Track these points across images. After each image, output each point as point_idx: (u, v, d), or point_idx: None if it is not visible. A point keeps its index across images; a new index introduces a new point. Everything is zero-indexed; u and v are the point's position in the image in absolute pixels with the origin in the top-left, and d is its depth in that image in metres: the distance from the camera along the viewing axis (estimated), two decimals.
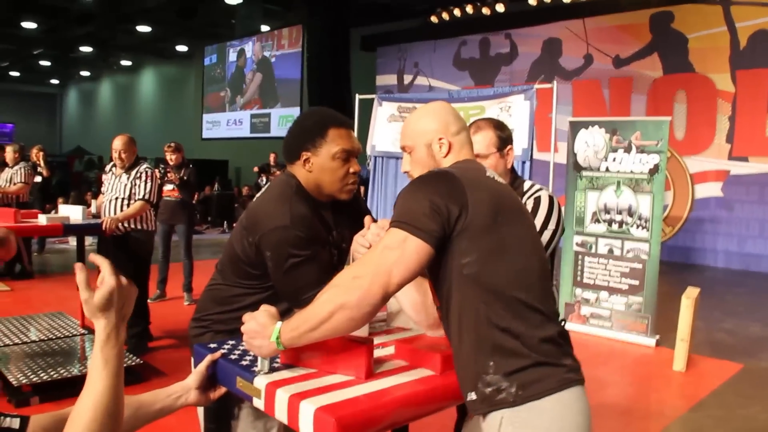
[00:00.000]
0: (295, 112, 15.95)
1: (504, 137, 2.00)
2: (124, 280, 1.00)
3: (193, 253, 5.71)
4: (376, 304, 1.17)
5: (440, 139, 1.38)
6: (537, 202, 1.93)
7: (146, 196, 4.12)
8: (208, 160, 16.32)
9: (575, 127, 5.32)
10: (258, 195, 1.72)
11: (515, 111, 5.35)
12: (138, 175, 4.16)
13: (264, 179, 11.61)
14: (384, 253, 1.18)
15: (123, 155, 4.14)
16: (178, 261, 5.74)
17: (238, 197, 13.94)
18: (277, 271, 1.57)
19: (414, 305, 1.44)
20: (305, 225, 1.58)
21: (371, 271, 1.17)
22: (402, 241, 1.17)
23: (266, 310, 1.30)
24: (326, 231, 1.69)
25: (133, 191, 4.14)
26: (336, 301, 1.17)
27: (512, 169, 2.04)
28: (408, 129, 1.44)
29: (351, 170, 1.68)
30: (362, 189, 7.26)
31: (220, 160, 16.99)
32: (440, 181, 1.21)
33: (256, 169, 11.21)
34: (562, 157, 6.44)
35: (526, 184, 2.02)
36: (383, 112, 6.44)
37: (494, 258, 1.19)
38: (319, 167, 1.65)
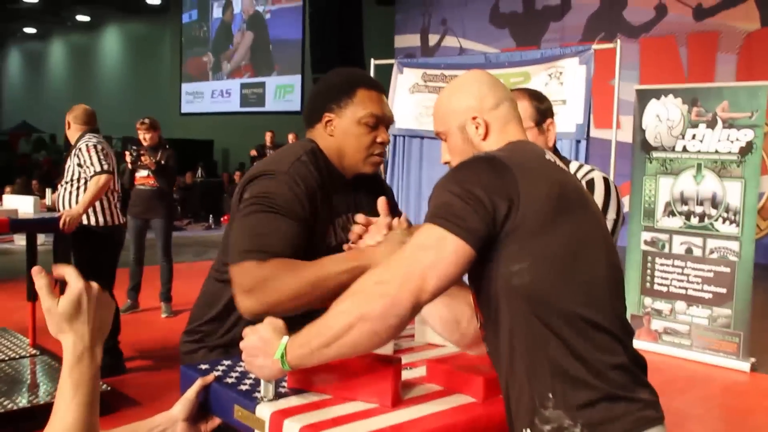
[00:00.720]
0: (294, 81, 15.99)
1: (543, 109, 2.03)
2: (95, 286, 1.01)
3: (172, 254, 5.75)
4: (405, 315, 1.18)
5: (474, 118, 1.39)
6: (590, 186, 1.93)
7: (98, 168, 4.09)
8: (189, 141, 16.44)
9: (644, 97, 5.28)
10: None
11: (568, 78, 5.31)
12: (76, 153, 4.15)
13: None
14: (416, 254, 1.19)
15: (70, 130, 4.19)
16: (155, 264, 5.79)
17: (226, 185, 14.03)
18: (239, 213, 1.58)
19: (445, 322, 1.45)
20: (304, 182, 1.60)
21: (400, 275, 1.17)
22: (439, 239, 1.18)
23: (271, 323, 1.30)
24: (333, 206, 1.72)
25: (75, 173, 4.15)
26: (355, 312, 1.18)
27: (554, 147, 2.06)
28: (439, 111, 1.46)
29: (378, 139, 1.73)
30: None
31: (204, 140, 17.12)
32: (484, 168, 1.22)
33: (253, 152, 11.30)
34: (627, 134, 6.38)
35: (573, 165, 2.05)
36: (404, 81, 6.43)
37: (553, 265, 1.19)
38: (343, 131, 1.71)
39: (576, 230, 1.22)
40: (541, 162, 1.29)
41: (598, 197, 1.92)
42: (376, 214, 1.66)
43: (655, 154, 5.24)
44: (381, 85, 1.78)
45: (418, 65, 6.49)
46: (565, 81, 5.31)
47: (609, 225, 1.89)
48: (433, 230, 1.19)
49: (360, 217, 1.61)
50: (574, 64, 5.29)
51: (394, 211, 1.90)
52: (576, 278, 1.20)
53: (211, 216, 12.56)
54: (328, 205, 1.70)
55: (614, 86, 5.25)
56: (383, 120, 1.73)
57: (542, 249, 1.19)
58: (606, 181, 1.96)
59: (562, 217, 1.20)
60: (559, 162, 1.34)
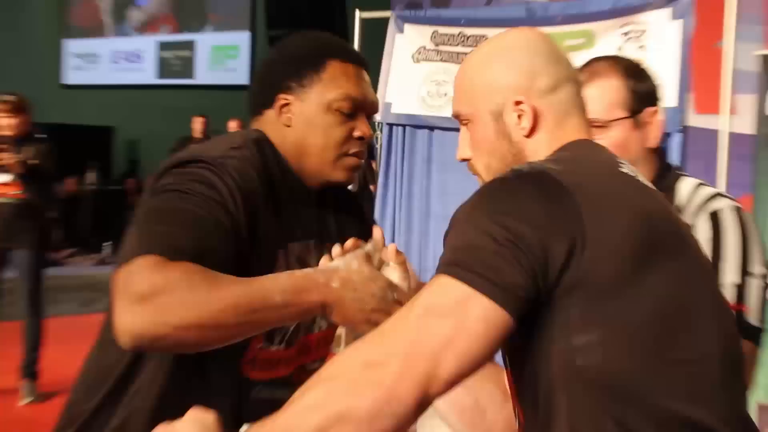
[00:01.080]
0: (240, 40, 16.07)
1: (642, 91, 2.07)
2: None
3: (43, 304, 5.75)
4: (406, 416, 1.19)
5: (518, 103, 1.45)
6: (714, 222, 1.93)
7: None
8: (75, 127, 16.36)
9: None
10: None
11: (653, 40, 5.35)
12: None
13: None
14: (425, 323, 1.22)
15: None
16: (14, 319, 5.79)
17: (132, 196, 14.01)
18: (144, 203, 1.64)
19: (463, 411, 1.55)
20: (242, 183, 1.64)
21: (400, 355, 1.20)
22: (459, 301, 1.21)
23: (196, 419, 1.29)
24: (286, 228, 1.78)
25: None
26: (331, 407, 1.18)
27: (659, 151, 2.11)
28: (464, 83, 1.52)
29: (356, 133, 1.81)
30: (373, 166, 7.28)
31: (99, 126, 17.11)
32: (530, 191, 1.26)
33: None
34: (746, 123, 6.36)
35: (686, 185, 2.04)
36: (405, 44, 6.48)
37: (636, 338, 1.23)
38: (305, 121, 1.79)
39: (671, 286, 1.26)
40: (615, 181, 1.34)
41: (732, 242, 1.89)
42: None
43: None
44: (362, 57, 1.86)
45: (427, 20, 6.55)
46: (648, 44, 5.35)
47: (755, 287, 1.87)
48: (450, 286, 1.22)
49: (347, 244, 1.66)
50: (664, 19, 5.32)
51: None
52: (671, 358, 1.24)
53: (107, 244, 12.49)
54: (278, 223, 1.75)
55: (725, 52, 5.26)
56: (363, 105, 1.81)
57: (620, 314, 1.22)
58: (740, 214, 1.93)
59: (649, 266, 1.24)
60: (642, 179, 1.39)
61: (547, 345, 1.25)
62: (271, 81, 1.82)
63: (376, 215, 6.52)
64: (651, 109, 2.06)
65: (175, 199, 1.59)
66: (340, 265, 1.61)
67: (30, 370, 5.70)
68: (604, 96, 2.02)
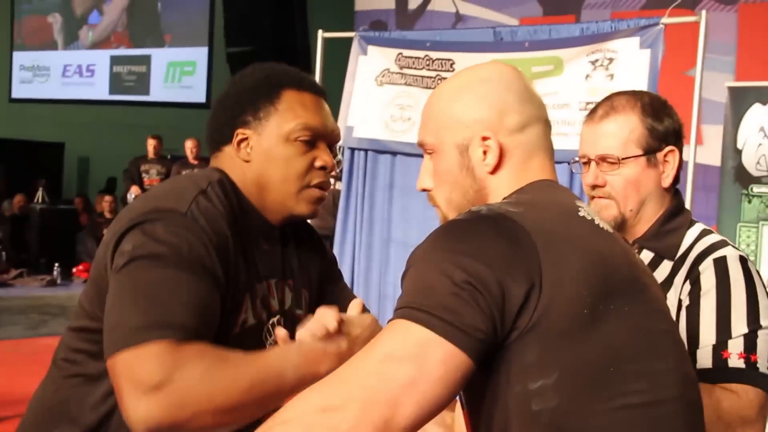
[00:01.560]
0: (197, 56, 15.98)
1: (662, 130, 2.06)
2: None
3: None
4: None
5: (485, 138, 1.46)
6: (718, 270, 1.92)
7: None
8: (23, 143, 16.29)
9: (740, 99, 5.34)
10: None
11: (622, 68, 5.37)
12: None
13: (133, 195, 11.59)
14: (384, 368, 1.22)
15: None
16: None
17: (83, 214, 13.84)
18: (116, 272, 1.60)
19: None
20: (211, 229, 1.64)
21: (359, 401, 1.19)
22: (419, 345, 1.21)
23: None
24: (252, 270, 1.78)
25: None
26: None
27: (675, 192, 2.09)
28: (432, 113, 1.52)
29: (318, 162, 1.81)
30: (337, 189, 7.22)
31: (49, 142, 16.94)
32: (489, 232, 1.27)
33: (135, 188, 11.16)
34: (712, 154, 6.41)
35: (693, 230, 2.04)
36: (369, 66, 6.47)
37: (592, 382, 1.23)
38: (264, 154, 1.79)
39: (627, 331, 1.27)
40: (573, 224, 1.35)
41: (739, 292, 1.90)
42: (309, 282, 1.81)
43: (756, 189, 5.30)
44: (318, 86, 1.88)
45: (392, 42, 6.54)
46: (617, 72, 5.37)
47: (764, 337, 1.87)
48: (409, 330, 1.22)
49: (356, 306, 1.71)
50: (633, 47, 5.34)
51: (334, 276, 1.94)
52: (628, 403, 1.24)
53: (56, 265, 12.37)
54: (245, 265, 1.74)
55: (694, 81, 5.26)
56: (323, 134, 1.83)
57: (575, 359, 1.23)
58: (745, 264, 1.94)
59: (604, 310, 1.26)
60: (601, 222, 1.40)
61: (504, 387, 1.25)
62: (227, 117, 1.83)
63: (336, 240, 6.49)
64: (668, 148, 2.05)
65: (157, 267, 1.56)
66: (352, 329, 1.64)
67: None
68: (621, 132, 2.04)
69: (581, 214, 1.38)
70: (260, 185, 1.80)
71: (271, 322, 1.83)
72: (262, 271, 1.82)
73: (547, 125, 1.51)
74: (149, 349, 1.47)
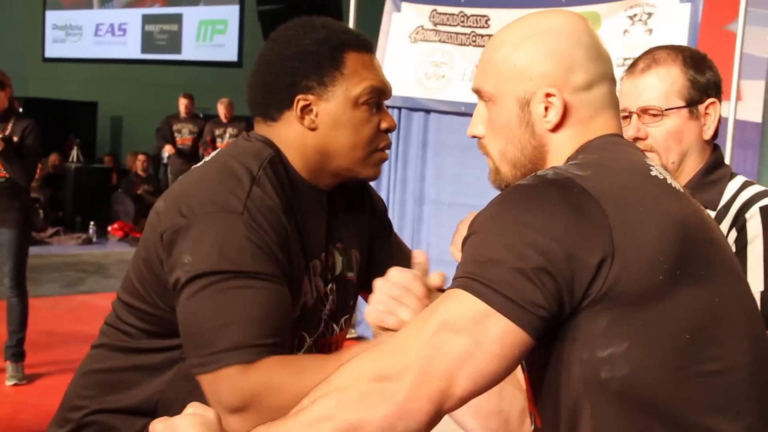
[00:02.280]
0: (229, 14, 15.98)
1: (703, 82, 2.06)
2: None
3: (27, 285, 5.73)
4: (419, 430, 1.21)
5: (548, 95, 1.41)
6: (765, 217, 1.93)
7: None
8: (57, 102, 16.39)
9: None
10: (197, 165, 1.81)
11: (660, 23, 5.35)
12: None
13: (166, 153, 11.61)
14: (441, 338, 1.21)
15: None
16: None
17: (114, 173, 13.90)
18: (187, 291, 1.61)
19: (483, 417, 1.55)
20: (270, 224, 1.64)
21: (414, 370, 1.20)
22: (476, 319, 1.20)
23: (197, 416, 1.30)
24: (309, 247, 1.77)
25: None
26: (341, 419, 1.20)
27: (714, 147, 2.10)
28: (492, 61, 1.46)
29: (383, 125, 1.78)
30: None
31: (82, 102, 17.04)
32: (557, 203, 1.24)
33: (169, 148, 11.17)
34: (754, 110, 6.33)
35: (734, 183, 2.05)
36: (403, 24, 6.48)
37: (665, 351, 1.22)
38: (333, 122, 1.75)
39: (702, 298, 1.25)
40: (645, 186, 1.31)
41: None
42: (359, 241, 1.74)
43: None
44: (371, 42, 1.84)
45: None
46: (656, 27, 5.36)
47: None
48: (468, 302, 1.21)
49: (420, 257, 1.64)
50: (672, 1, 5.33)
51: (384, 232, 1.91)
52: (699, 371, 1.23)
53: (92, 224, 12.45)
54: (302, 249, 1.73)
55: (735, 35, 5.23)
56: (385, 94, 1.80)
57: (648, 326, 1.21)
58: None
59: (680, 277, 1.23)
60: (673, 182, 1.36)
61: (570, 355, 1.24)
62: (285, 82, 1.75)
63: None
64: (710, 100, 2.06)
65: (222, 286, 1.58)
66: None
67: (15, 351, 5.65)
68: (663, 84, 2.04)
69: (653, 173, 1.34)
70: (325, 153, 1.76)
71: (324, 291, 1.82)
72: (315, 247, 1.80)
73: (613, 82, 1.47)
74: (223, 375, 1.53)
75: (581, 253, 1.20)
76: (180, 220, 1.62)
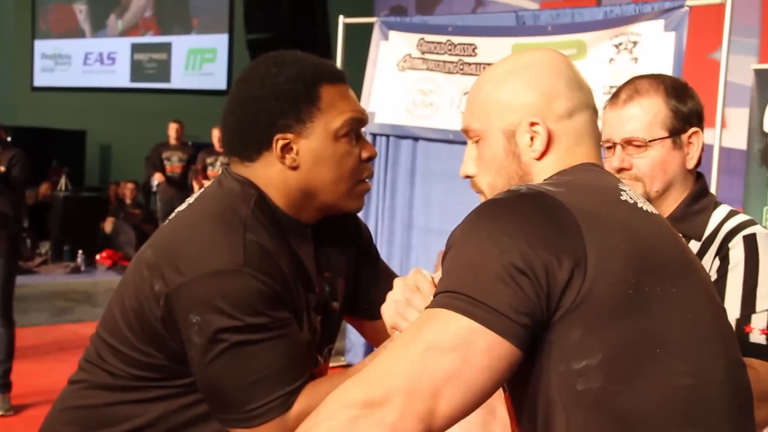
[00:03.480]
0: (218, 43, 15.99)
1: (686, 111, 2.08)
2: None
3: (14, 314, 5.69)
4: None
5: (532, 124, 1.44)
6: (748, 245, 1.96)
7: None
8: (46, 131, 16.30)
9: (766, 81, 5.28)
10: (180, 208, 1.77)
11: (646, 51, 5.36)
12: None
13: (156, 181, 11.59)
14: (427, 358, 1.21)
15: None
16: None
17: (107, 202, 13.86)
18: (206, 354, 1.61)
19: (470, 424, 1.59)
20: (271, 269, 1.63)
21: (402, 393, 1.20)
22: (461, 335, 1.21)
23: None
24: (305, 281, 1.75)
25: None
26: None
27: (698, 175, 2.13)
28: (478, 99, 1.50)
29: (364, 155, 1.78)
30: None
31: (71, 130, 17.00)
32: (532, 212, 1.26)
33: (158, 176, 11.14)
34: (737, 137, 6.37)
35: (719, 212, 2.08)
36: (390, 52, 6.49)
37: (637, 362, 1.23)
38: (315, 158, 1.73)
39: (676, 313, 1.27)
40: (613, 205, 1.33)
41: (765, 270, 1.93)
42: (346, 269, 1.74)
43: None
44: (343, 72, 1.83)
45: (413, 27, 6.57)
46: (641, 56, 5.36)
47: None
48: (451, 320, 1.21)
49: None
50: (657, 30, 5.33)
51: (371, 257, 1.91)
52: (673, 384, 1.24)
53: (80, 252, 12.40)
54: (296, 282, 1.71)
55: (720, 63, 5.23)
56: (363, 122, 1.78)
57: (621, 338, 1.22)
58: None
59: (651, 289, 1.25)
60: (645, 205, 1.39)
61: (547, 368, 1.25)
62: (263, 123, 1.72)
63: None
64: (692, 129, 2.07)
65: (252, 340, 1.60)
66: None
67: (2, 382, 5.61)
68: (646, 115, 2.05)
69: (623, 197, 1.37)
70: (308, 190, 1.75)
71: (316, 324, 1.82)
72: (307, 280, 1.78)
73: (594, 112, 1.50)
74: (263, 429, 1.60)
75: (555, 260, 1.21)
76: (178, 278, 1.60)
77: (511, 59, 1.53)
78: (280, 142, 1.72)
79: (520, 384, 1.29)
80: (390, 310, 1.53)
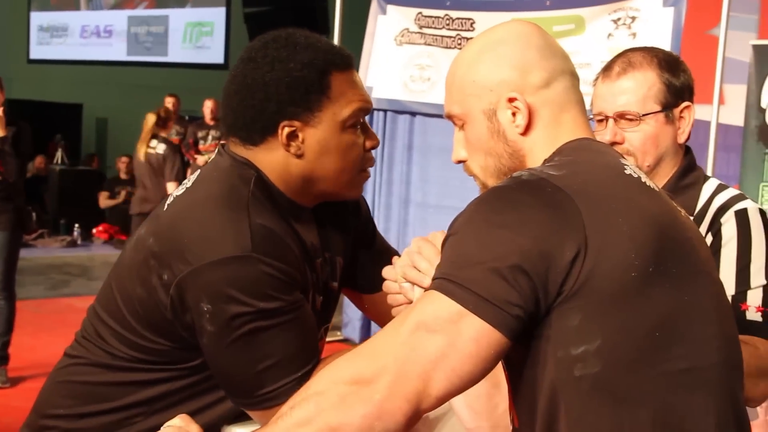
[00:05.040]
0: (215, 16, 15.95)
1: (678, 86, 2.08)
2: None
3: (15, 287, 5.73)
4: (397, 429, 1.23)
5: (511, 100, 1.43)
6: (740, 221, 1.96)
7: None
8: (42, 104, 16.28)
9: (764, 57, 5.28)
10: (177, 192, 1.74)
11: (644, 27, 5.37)
12: None
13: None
14: (416, 339, 1.23)
15: None
16: None
17: (100, 176, 13.85)
18: (219, 341, 1.61)
19: (474, 404, 1.56)
20: (279, 251, 1.62)
21: (391, 372, 1.22)
22: (451, 320, 1.22)
23: (180, 430, 1.35)
24: (309, 261, 1.75)
25: None
26: (321, 423, 1.22)
27: (687, 149, 2.12)
28: (454, 83, 1.50)
29: (368, 144, 1.76)
30: None
31: (67, 103, 16.97)
32: (531, 201, 1.26)
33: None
34: (735, 114, 6.34)
35: (708, 187, 2.08)
36: (388, 27, 6.49)
37: (636, 347, 1.24)
38: (321, 148, 1.71)
39: (674, 296, 1.27)
40: (619, 184, 1.33)
41: (758, 243, 1.94)
42: (343, 247, 1.74)
43: None
44: (352, 57, 1.79)
45: (411, 1, 6.54)
46: (639, 31, 5.38)
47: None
48: (443, 303, 1.23)
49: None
50: (656, 5, 5.35)
51: (369, 234, 1.91)
52: (669, 369, 1.25)
53: (76, 226, 12.42)
54: (303, 264, 1.70)
55: (718, 40, 5.25)
56: (368, 111, 1.76)
57: (620, 323, 1.23)
58: (765, 217, 1.98)
59: (653, 275, 1.25)
60: (647, 181, 1.38)
61: (546, 353, 1.25)
62: (270, 109, 1.69)
63: None
64: (684, 104, 2.07)
65: (265, 326, 1.59)
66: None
67: (0, 355, 5.65)
68: (639, 89, 2.05)
69: (627, 171, 1.36)
70: (309, 179, 1.73)
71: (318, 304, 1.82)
72: (310, 261, 1.77)
73: (574, 77, 1.48)
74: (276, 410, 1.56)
75: (555, 250, 1.21)
76: (186, 266, 1.59)
77: (481, 38, 1.51)
78: (287, 130, 1.69)
79: (518, 369, 1.30)
80: (401, 260, 1.54)
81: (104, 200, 12.95)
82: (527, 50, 1.44)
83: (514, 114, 1.42)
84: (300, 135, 1.69)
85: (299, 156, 1.70)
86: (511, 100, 1.42)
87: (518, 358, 1.28)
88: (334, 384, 1.24)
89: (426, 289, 1.30)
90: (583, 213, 1.24)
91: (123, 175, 13.43)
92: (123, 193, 12.74)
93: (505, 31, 1.48)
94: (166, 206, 1.73)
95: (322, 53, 1.72)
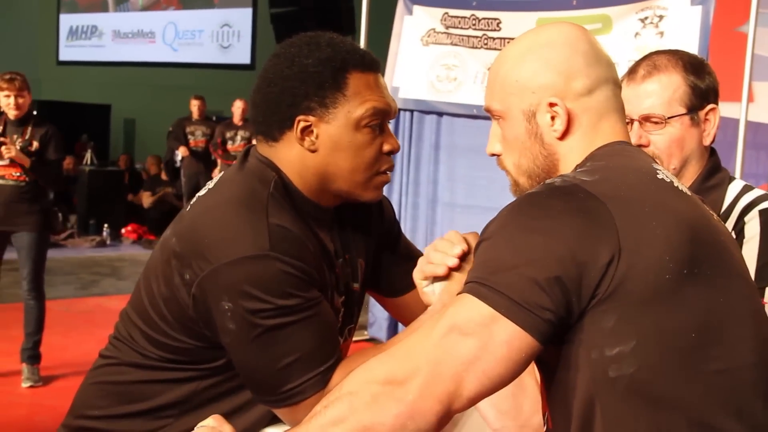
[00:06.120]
0: (241, 17, 15.97)
1: (703, 88, 2.08)
2: None
3: (45, 288, 5.74)
4: (429, 429, 1.24)
5: (552, 105, 1.44)
6: (764, 219, 1.96)
7: None
8: (71, 105, 16.38)
9: None
10: (201, 193, 1.76)
11: (672, 25, 5.33)
12: None
13: (180, 155, 11.62)
14: (449, 341, 1.24)
15: None
16: (14, 301, 5.86)
17: (126, 176, 13.92)
18: (241, 339, 1.64)
19: (500, 404, 1.55)
20: (296, 250, 1.64)
21: (424, 373, 1.24)
22: (484, 323, 1.23)
23: (215, 428, 1.37)
24: (327, 262, 1.77)
25: None
26: (354, 422, 1.24)
27: (712, 151, 2.11)
28: (497, 79, 1.50)
29: (386, 147, 1.76)
30: None
31: (95, 104, 17.06)
32: (564, 208, 1.27)
33: (183, 149, 11.13)
34: (764, 111, 6.30)
35: (734, 188, 2.07)
36: (414, 27, 6.46)
37: (671, 349, 1.24)
38: (333, 144, 1.72)
39: (709, 298, 1.27)
40: (652, 189, 1.33)
41: None
42: (365, 249, 1.75)
43: None
44: (376, 61, 1.80)
45: (437, 1, 6.50)
46: (667, 30, 5.33)
47: None
48: (476, 306, 1.24)
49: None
50: (684, 3, 5.30)
51: (393, 236, 1.91)
52: (705, 370, 1.25)
53: (105, 226, 12.45)
54: (321, 264, 1.73)
55: (747, 37, 5.21)
56: (389, 114, 1.75)
57: (655, 324, 1.23)
58: None
59: (688, 277, 1.25)
60: (680, 185, 1.37)
61: (579, 355, 1.27)
62: (287, 102, 1.72)
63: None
64: (710, 106, 2.07)
65: (284, 323, 1.61)
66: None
67: (32, 354, 5.63)
68: (664, 91, 2.04)
69: (660, 176, 1.36)
70: (324, 175, 1.74)
71: (338, 305, 1.84)
72: (330, 261, 1.79)
73: (616, 85, 1.49)
74: (301, 406, 1.61)
75: (588, 255, 1.22)
76: (206, 265, 1.62)
77: (528, 37, 1.51)
78: (302, 124, 1.71)
79: (551, 371, 1.31)
80: (420, 260, 1.57)
81: (147, 199, 13.04)
82: (573, 56, 1.44)
83: (553, 118, 1.43)
84: (315, 130, 1.72)
85: (313, 151, 1.72)
86: (551, 104, 1.43)
87: (551, 361, 1.30)
88: (368, 384, 1.25)
89: (459, 293, 1.29)
90: (615, 218, 1.24)
91: (163, 176, 13.51)
92: (163, 193, 12.88)
93: (554, 33, 1.48)
94: (189, 207, 1.76)
95: (343, 52, 1.74)
